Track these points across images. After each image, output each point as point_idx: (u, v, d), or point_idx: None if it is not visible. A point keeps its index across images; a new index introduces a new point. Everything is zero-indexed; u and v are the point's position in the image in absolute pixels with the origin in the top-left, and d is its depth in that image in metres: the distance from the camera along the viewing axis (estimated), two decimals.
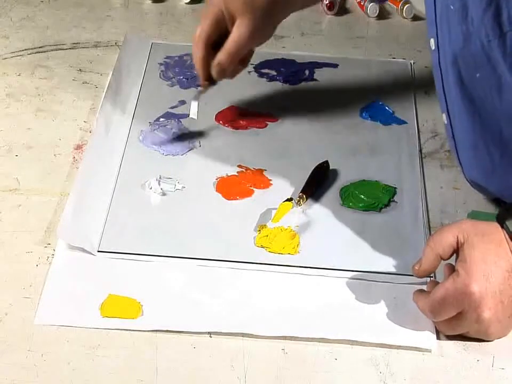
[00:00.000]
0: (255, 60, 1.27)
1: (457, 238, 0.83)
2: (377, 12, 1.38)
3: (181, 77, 1.23)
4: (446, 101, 0.94)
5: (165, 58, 1.27)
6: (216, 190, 1.03)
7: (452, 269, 0.83)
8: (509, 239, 0.81)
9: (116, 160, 1.06)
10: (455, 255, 0.84)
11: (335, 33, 1.36)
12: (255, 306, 0.88)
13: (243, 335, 0.84)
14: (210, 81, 1.09)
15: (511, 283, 0.80)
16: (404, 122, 1.15)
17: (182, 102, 1.18)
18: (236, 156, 1.08)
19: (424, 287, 0.87)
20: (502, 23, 0.82)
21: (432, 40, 0.92)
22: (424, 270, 0.85)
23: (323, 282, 0.91)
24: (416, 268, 0.86)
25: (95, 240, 0.94)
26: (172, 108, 1.17)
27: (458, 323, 0.82)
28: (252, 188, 1.03)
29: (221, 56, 1.05)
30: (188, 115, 1.10)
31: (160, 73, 1.24)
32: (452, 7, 0.86)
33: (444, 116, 0.96)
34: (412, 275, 0.89)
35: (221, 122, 1.14)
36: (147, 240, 0.95)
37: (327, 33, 1.36)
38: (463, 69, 0.89)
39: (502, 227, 0.82)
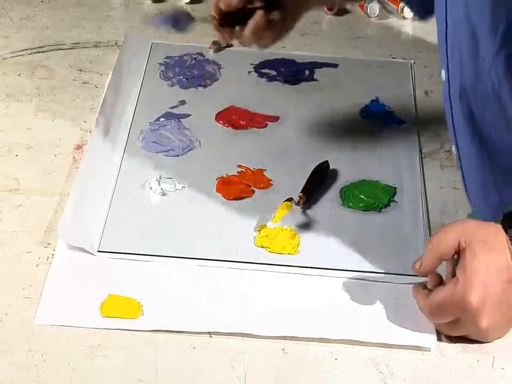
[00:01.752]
0: (255, 59, 1.27)
1: (459, 241, 0.82)
2: (377, 12, 1.38)
3: (181, 77, 1.23)
4: (455, 134, 0.92)
5: (165, 58, 1.27)
6: (216, 190, 1.03)
7: (455, 265, 0.83)
8: (511, 247, 0.80)
9: (116, 160, 1.06)
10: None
11: (335, 33, 1.36)
12: (255, 306, 0.88)
13: (243, 335, 0.84)
14: (223, 20, 1.05)
15: (509, 293, 0.80)
16: (404, 122, 1.15)
17: (182, 102, 1.18)
18: (235, 156, 1.08)
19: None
20: None
21: (443, 71, 0.90)
22: (425, 270, 0.85)
23: (323, 282, 0.91)
24: (417, 266, 0.85)
25: (95, 240, 0.94)
26: (172, 108, 1.17)
27: (456, 327, 0.82)
28: (252, 188, 1.03)
29: None
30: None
31: (160, 73, 1.24)
32: (463, 43, 0.85)
33: (453, 148, 0.94)
34: (412, 275, 0.89)
35: (221, 122, 1.14)
36: (147, 240, 0.95)
37: (327, 33, 1.36)
38: (472, 106, 0.87)
39: (507, 232, 0.81)
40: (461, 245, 0.82)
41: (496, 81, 0.83)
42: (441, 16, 0.88)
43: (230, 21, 1.04)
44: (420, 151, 1.10)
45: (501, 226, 0.81)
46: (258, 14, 1.02)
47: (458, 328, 0.83)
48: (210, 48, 1.26)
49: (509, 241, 0.80)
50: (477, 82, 0.85)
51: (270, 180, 1.04)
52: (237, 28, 1.04)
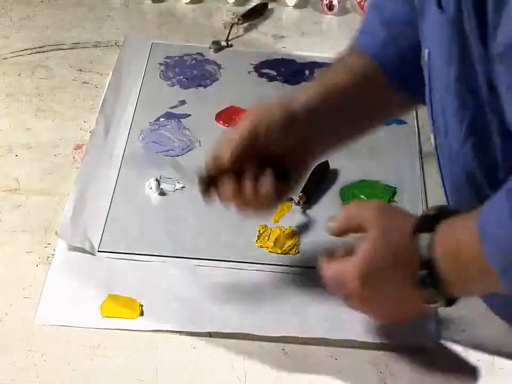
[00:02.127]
0: (255, 59, 1.27)
1: (366, 224, 0.79)
2: None
3: (181, 77, 1.23)
4: (448, 202, 0.88)
5: (165, 58, 1.27)
6: None
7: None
8: (411, 254, 0.76)
9: (116, 160, 1.06)
10: None
11: (335, 33, 1.36)
12: (255, 306, 0.87)
13: (243, 335, 0.84)
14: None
15: (391, 289, 0.78)
16: (404, 122, 1.15)
17: (182, 102, 1.18)
18: None
19: None
20: (485, 152, 0.77)
21: (432, 136, 0.86)
22: (333, 234, 0.83)
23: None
24: (330, 224, 0.83)
25: (95, 240, 0.94)
26: (172, 108, 1.17)
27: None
28: None
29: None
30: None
31: (160, 73, 1.24)
32: (437, 120, 0.82)
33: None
34: None
35: (221, 122, 1.14)
36: (147, 240, 0.95)
37: (327, 33, 1.36)
38: (451, 186, 0.85)
39: (414, 233, 0.76)
40: (366, 228, 0.79)
41: (464, 170, 0.79)
42: (427, 78, 0.83)
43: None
44: (420, 151, 1.10)
45: (412, 228, 0.77)
46: (248, 176, 0.84)
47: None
48: (210, 48, 1.27)
49: (413, 251, 0.76)
50: (449, 164, 0.82)
51: None
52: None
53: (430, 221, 0.76)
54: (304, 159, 0.88)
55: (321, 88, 0.88)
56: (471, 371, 0.82)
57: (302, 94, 0.87)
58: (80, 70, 1.24)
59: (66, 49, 1.29)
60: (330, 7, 1.39)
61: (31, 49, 1.29)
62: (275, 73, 1.25)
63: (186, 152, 1.09)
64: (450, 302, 0.77)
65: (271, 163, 0.84)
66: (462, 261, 0.73)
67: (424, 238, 0.75)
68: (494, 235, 0.71)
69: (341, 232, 0.82)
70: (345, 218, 0.82)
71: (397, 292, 0.78)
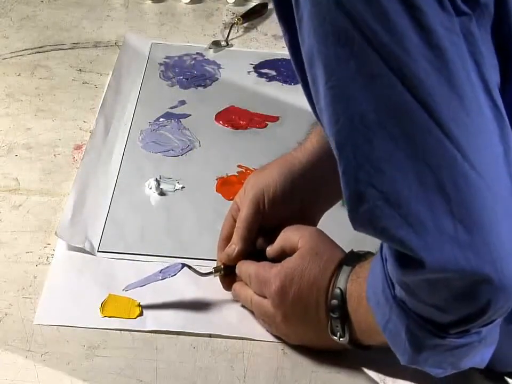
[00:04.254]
0: (255, 59, 1.28)
1: (299, 243, 0.82)
2: None
3: (181, 77, 1.23)
4: None
5: (164, 58, 1.28)
6: (216, 190, 1.03)
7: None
8: (329, 285, 0.78)
9: (115, 160, 1.06)
10: None
11: None
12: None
13: (243, 338, 0.84)
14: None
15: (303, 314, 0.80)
16: None
17: (182, 102, 1.18)
18: (236, 156, 1.08)
19: None
20: None
21: None
22: (269, 256, 0.85)
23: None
24: (267, 249, 0.86)
25: (95, 240, 0.94)
26: (172, 108, 1.17)
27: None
28: None
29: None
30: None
31: (160, 73, 1.24)
32: None
33: None
34: None
35: (221, 122, 1.14)
36: (147, 240, 0.95)
37: None
38: None
39: (339, 267, 0.78)
40: (298, 247, 0.82)
41: None
42: None
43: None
44: None
45: (339, 259, 0.80)
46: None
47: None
48: (209, 48, 1.28)
49: (333, 279, 0.78)
50: None
51: None
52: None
53: (355, 258, 0.79)
54: (313, 215, 0.88)
55: (320, 138, 0.87)
56: (471, 371, 0.81)
57: (301, 150, 0.88)
58: (80, 70, 1.25)
59: (66, 49, 1.30)
60: None
61: (31, 49, 1.29)
62: (275, 73, 1.25)
63: (186, 152, 1.09)
64: (360, 346, 0.79)
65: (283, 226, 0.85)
66: (363, 304, 0.74)
67: (345, 270, 0.78)
68: (371, 298, 0.73)
69: (277, 254, 0.84)
70: (282, 239, 0.84)
71: (307, 312, 0.79)
